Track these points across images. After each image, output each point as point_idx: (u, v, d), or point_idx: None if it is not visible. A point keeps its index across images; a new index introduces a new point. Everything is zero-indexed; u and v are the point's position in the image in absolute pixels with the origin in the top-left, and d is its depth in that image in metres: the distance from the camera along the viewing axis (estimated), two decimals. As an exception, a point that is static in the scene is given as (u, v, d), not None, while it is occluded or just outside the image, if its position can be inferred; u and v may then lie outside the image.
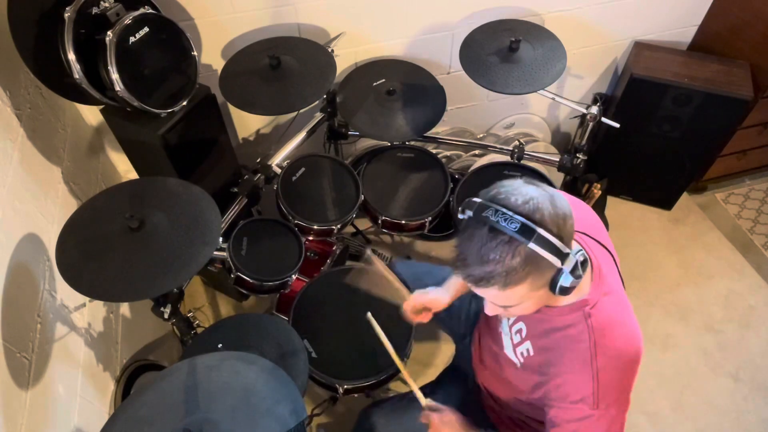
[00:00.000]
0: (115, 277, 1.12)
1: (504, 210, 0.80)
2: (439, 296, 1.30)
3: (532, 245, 0.78)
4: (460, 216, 0.87)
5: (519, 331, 1.08)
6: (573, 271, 0.82)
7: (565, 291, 0.84)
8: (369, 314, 1.32)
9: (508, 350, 1.12)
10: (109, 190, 1.29)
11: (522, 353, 1.07)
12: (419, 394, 1.20)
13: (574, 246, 0.86)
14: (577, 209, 1.08)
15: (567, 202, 0.85)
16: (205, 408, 0.97)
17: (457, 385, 1.39)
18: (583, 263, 0.83)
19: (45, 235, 1.32)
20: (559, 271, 0.82)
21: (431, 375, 1.61)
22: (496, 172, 1.88)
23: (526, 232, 0.78)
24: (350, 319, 1.52)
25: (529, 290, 0.84)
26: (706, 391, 1.96)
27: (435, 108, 1.81)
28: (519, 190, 0.82)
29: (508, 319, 1.11)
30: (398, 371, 1.47)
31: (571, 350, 0.94)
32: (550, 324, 0.99)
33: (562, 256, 0.80)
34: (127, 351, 1.60)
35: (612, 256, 1.04)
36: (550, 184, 1.85)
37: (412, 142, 1.99)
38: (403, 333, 1.49)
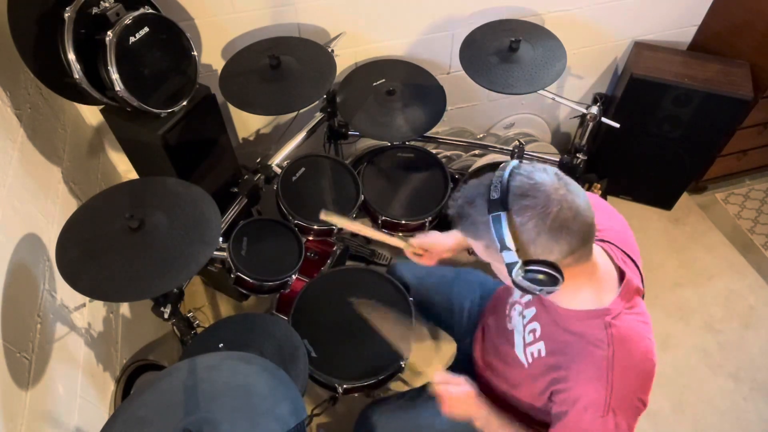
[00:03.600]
0: (115, 277, 1.12)
1: (505, 180, 0.84)
2: (440, 240, 1.31)
3: (489, 218, 0.83)
4: None
5: (533, 330, 1.07)
6: (509, 266, 0.84)
7: (516, 285, 0.87)
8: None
9: (518, 349, 1.11)
10: (109, 190, 1.29)
11: (532, 353, 1.07)
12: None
13: (561, 263, 0.85)
14: (614, 220, 1.10)
15: (576, 219, 0.82)
16: (205, 408, 0.97)
17: None
18: (544, 276, 0.83)
19: (45, 235, 1.32)
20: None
21: (432, 375, 1.61)
22: (496, 172, 1.88)
23: (494, 207, 0.83)
24: (350, 319, 1.52)
25: (485, 253, 0.90)
26: (706, 391, 1.96)
27: (435, 108, 1.81)
28: (534, 178, 0.83)
29: (524, 317, 1.11)
30: (398, 371, 1.47)
31: (588, 356, 0.93)
32: (567, 327, 0.98)
33: (504, 247, 0.83)
34: (127, 351, 1.60)
35: (638, 267, 1.03)
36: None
37: (412, 142, 1.99)
38: (404, 333, 1.49)
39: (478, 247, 0.91)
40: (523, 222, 0.82)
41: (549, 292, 0.87)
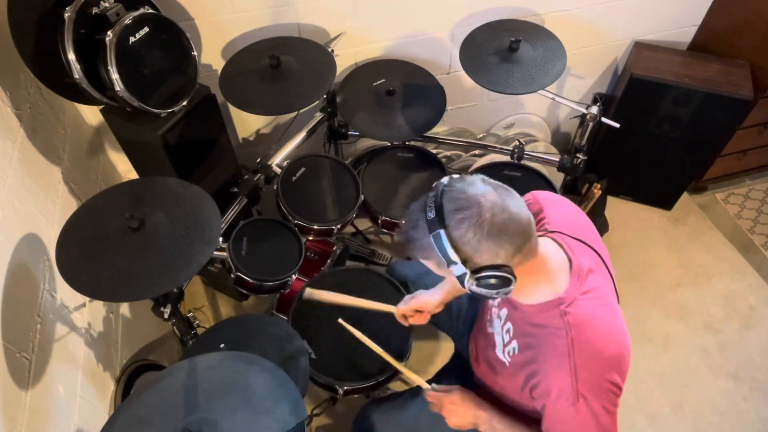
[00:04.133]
0: (115, 277, 1.12)
1: (438, 198, 0.87)
2: (428, 299, 1.34)
3: (431, 238, 0.87)
4: None
5: (508, 330, 1.09)
6: (460, 278, 0.88)
7: (473, 293, 0.90)
8: (340, 320, 1.34)
9: (498, 350, 1.13)
10: (109, 190, 1.29)
11: (509, 352, 1.09)
12: (421, 381, 1.23)
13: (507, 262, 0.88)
14: (561, 210, 1.11)
15: (512, 221, 0.86)
16: (205, 408, 0.97)
17: (458, 381, 1.39)
18: (497, 280, 0.87)
19: (45, 235, 1.32)
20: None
21: (431, 374, 1.61)
22: (496, 172, 1.88)
23: (433, 226, 0.86)
24: (350, 320, 1.51)
25: (440, 270, 0.93)
26: (706, 391, 1.96)
27: (435, 108, 1.81)
28: (466, 191, 0.86)
29: (500, 319, 1.12)
30: (398, 372, 1.47)
31: (551, 347, 0.95)
32: (532, 322, 1.01)
33: (450, 263, 0.87)
34: (127, 351, 1.60)
35: (600, 256, 1.04)
36: (551, 184, 1.85)
37: (412, 142, 1.99)
38: (403, 334, 1.49)
39: (432, 266, 0.94)
40: (461, 234, 0.85)
41: (506, 293, 0.90)
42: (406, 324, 1.39)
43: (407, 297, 1.38)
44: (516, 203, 0.88)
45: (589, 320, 0.93)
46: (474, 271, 0.87)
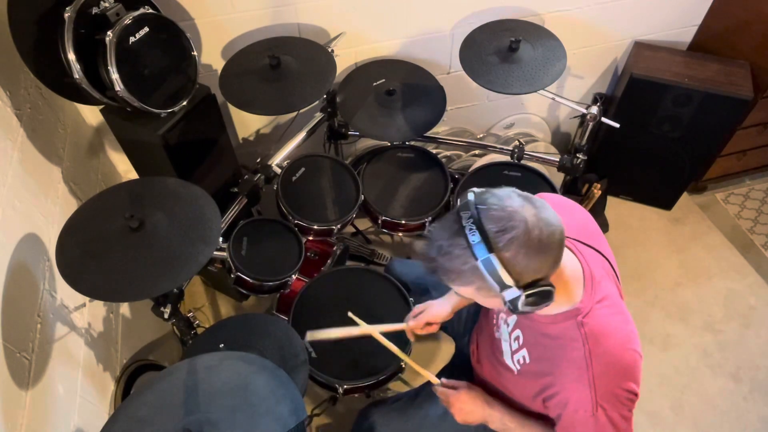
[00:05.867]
0: (115, 277, 1.12)
1: (476, 219, 0.81)
2: (439, 311, 1.32)
3: (479, 264, 0.80)
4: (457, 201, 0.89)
5: (517, 338, 1.08)
6: (512, 301, 0.83)
7: (517, 311, 0.85)
8: (350, 314, 1.34)
9: (506, 357, 1.12)
10: (109, 190, 1.29)
11: (519, 360, 1.08)
12: (430, 375, 1.22)
13: (548, 276, 0.84)
14: (571, 214, 1.10)
15: (554, 234, 0.82)
16: (205, 408, 0.97)
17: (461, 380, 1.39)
18: (541, 296, 0.83)
19: (45, 235, 1.32)
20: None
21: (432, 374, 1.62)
22: (496, 172, 1.88)
23: (480, 251, 0.80)
24: (350, 319, 1.51)
25: (476, 294, 0.88)
26: (706, 391, 1.96)
27: (435, 108, 1.81)
28: (506, 208, 0.81)
29: (508, 325, 1.12)
30: (398, 371, 1.47)
31: (567, 359, 0.95)
32: (545, 332, 0.99)
33: (504, 287, 0.81)
34: (127, 351, 1.60)
35: (608, 260, 1.03)
36: (551, 184, 1.85)
37: (412, 142, 1.99)
38: (402, 332, 1.49)
39: (467, 291, 0.88)
40: (513, 256, 0.80)
41: (546, 305, 0.86)
42: (413, 339, 1.37)
43: (416, 309, 1.36)
44: (551, 215, 0.84)
45: (605, 331, 0.93)
46: (524, 288, 0.82)
